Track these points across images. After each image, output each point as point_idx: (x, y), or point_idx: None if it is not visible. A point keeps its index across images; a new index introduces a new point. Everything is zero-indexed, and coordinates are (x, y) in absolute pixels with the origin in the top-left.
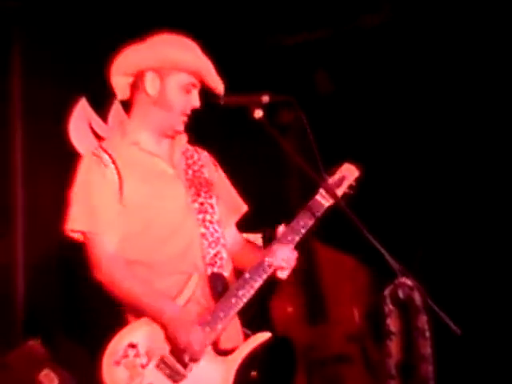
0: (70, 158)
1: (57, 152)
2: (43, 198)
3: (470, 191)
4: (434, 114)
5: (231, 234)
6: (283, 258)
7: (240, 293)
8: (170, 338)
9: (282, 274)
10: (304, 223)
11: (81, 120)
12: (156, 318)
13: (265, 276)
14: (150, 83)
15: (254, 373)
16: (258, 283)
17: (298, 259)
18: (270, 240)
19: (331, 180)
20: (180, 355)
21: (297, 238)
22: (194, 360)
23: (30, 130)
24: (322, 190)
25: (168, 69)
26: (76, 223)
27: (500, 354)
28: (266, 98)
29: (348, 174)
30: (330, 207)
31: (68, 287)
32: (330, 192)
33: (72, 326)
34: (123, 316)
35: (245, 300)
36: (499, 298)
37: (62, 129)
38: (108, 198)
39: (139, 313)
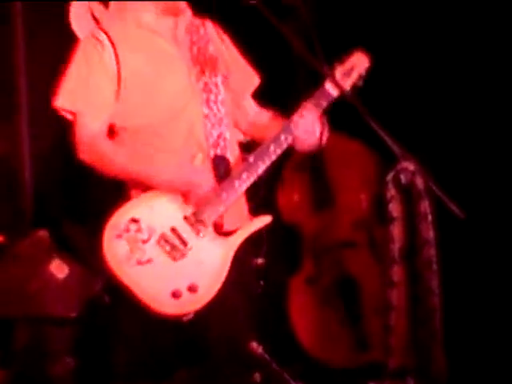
0: (71, 44)
1: (58, 38)
2: (46, 84)
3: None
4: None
5: (248, 106)
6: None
7: (244, 176)
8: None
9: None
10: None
11: (82, 6)
12: (160, 177)
13: (269, 160)
14: None
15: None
16: (262, 167)
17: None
18: None
19: (341, 69)
20: (188, 223)
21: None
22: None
23: (30, 15)
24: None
25: None
26: (63, 101)
27: (502, 237)
28: None
29: (358, 63)
30: (335, 98)
31: (75, 175)
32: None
33: (79, 214)
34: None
35: (248, 183)
36: (502, 182)
37: (63, 15)
38: (102, 81)
39: (142, 183)
